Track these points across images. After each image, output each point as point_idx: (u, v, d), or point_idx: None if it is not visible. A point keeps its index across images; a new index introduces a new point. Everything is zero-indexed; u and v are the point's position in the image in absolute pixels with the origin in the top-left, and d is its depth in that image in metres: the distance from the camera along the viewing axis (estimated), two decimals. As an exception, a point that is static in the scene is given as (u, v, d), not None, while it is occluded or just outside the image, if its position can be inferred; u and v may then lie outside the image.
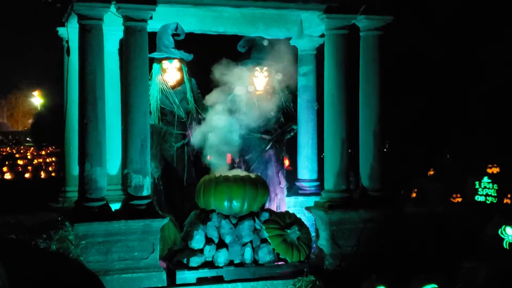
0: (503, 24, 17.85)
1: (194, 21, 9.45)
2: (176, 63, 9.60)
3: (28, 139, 47.32)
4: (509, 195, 14.28)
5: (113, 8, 8.02)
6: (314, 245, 9.03)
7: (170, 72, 9.60)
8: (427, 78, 18.62)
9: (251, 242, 8.43)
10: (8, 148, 41.03)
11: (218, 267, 8.21)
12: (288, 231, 8.55)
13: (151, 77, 9.41)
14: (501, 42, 17.73)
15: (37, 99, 55.87)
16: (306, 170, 10.35)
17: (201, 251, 8.24)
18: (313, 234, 9.04)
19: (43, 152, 34.46)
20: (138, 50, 8.07)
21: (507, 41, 17.61)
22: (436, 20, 17.97)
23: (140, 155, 8.05)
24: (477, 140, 19.55)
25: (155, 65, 9.58)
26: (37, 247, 7.35)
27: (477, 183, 14.68)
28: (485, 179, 14.64)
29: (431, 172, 17.62)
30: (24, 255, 7.11)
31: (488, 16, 18.01)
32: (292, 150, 10.43)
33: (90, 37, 7.95)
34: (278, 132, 9.98)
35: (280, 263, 8.47)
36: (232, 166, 9.59)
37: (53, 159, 29.55)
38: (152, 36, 9.04)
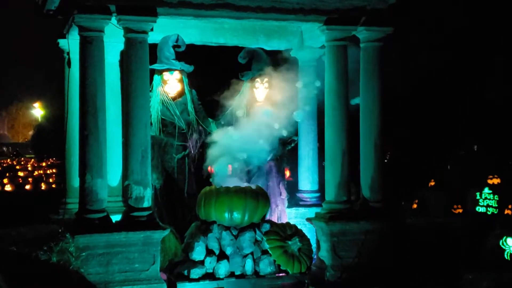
0: (502, 40, 17.94)
1: (195, 33, 9.48)
2: (176, 75, 9.63)
3: (30, 151, 47.29)
4: (510, 206, 14.26)
5: (114, 20, 8.05)
6: (315, 257, 9.01)
7: (171, 84, 9.62)
8: (428, 90, 18.67)
9: (252, 253, 8.41)
10: (8, 160, 41.00)
11: (219, 278, 8.18)
12: (289, 242, 8.53)
13: (152, 88, 9.43)
14: (501, 56, 17.80)
15: (38, 111, 55.89)
16: (307, 181, 10.34)
17: (202, 262, 8.22)
18: (314, 245, 9.01)
19: (44, 164, 34.43)
20: (139, 61, 8.08)
21: (506, 56, 17.68)
22: (436, 36, 18.07)
23: (141, 166, 8.05)
24: (478, 151, 19.56)
25: (156, 77, 9.60)
26: (38, 259, 7.34)
27: (478, 194, 14.67)
28: (486, 190, 14.62)
29: (432, 183, 17.59)
30: (25, 267, 7.09)
31: (487, 33, 18.10)
32: (293, 161, 10.42)
33: (91, 49, 7.97)
34: (279, 143, 9.98)
35: (281, 274, 8.44)
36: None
37: (54, 170, 29.51)
38: (153, 47, 9.06)
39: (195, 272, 8.12)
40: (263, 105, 9.94)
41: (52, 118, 31.45)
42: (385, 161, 9.59)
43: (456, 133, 19.23)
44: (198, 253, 8.23)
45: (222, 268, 8.20)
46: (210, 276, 8.19)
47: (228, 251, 8.33)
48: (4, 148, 54.76)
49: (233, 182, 8.88)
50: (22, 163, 37.35)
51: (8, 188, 23.26)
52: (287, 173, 10.41)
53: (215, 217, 8.50)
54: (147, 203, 8.09)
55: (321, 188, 9.81)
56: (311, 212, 9.49)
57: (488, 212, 14.44)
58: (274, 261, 8.43)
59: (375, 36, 9.00)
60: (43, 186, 24.12)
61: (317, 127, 10.21)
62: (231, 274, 8.27)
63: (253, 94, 10.11)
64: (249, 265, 8.33)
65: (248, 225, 8.52)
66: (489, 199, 14.50)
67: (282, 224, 9.00)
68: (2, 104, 64.90)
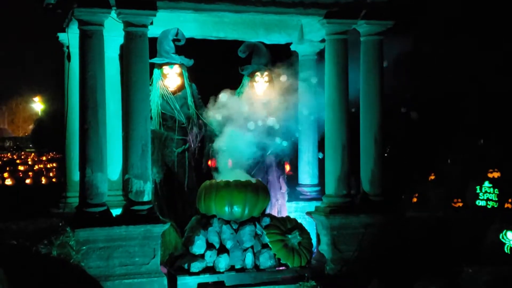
0: (502, 36, 17.91)
1: (195, 27, 9.46)
2: (176, 69, 9.62)
3: (30, 145, 47.32)
4: (510, 200, 14.25)
5: (113, 13, 8.04)
6: (315, 250, 9.03)
7: (171, 78, 9.62)
8: (427, 83, 18.63)
9: (252, 247, 8.42)
10: (9, 154, 40.99)
11: (219, 272, 8.20)
12: (289, 236, 8.54)
13: (152, 82, 9.43)
14: (501, 50, 17.77)
15: (38, 105, 55.88)
16: (307, 175, 10.35)
17: (202, 256, 8.24)
18: (314, 239, 9.03)
19: (44, 158, 34.42)
20: (139, 55, 8.07)
21: (506, 49, 17.65)
22: (437, 30, 18.02)
23: (141, 160, 8.05)
24: (478, 144, 19.54)
25: (155, 71, 9.60)
26: (38, 252, 7.35)
27: (478, 187, 14.66)
28: (486, 183, 14.62)
29: (432, 177, 17.59)
30: (25, 260, 7.10)
31: (487, 28, 18.08)
32: (293, 155, 10.42)
33: (91, 43, 7.97)
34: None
35: (281, 268, 8.46)
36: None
37: (54, 164, 29.51)
38: (153, 41, 9.05)
39: (195, 266, 8.13)
40: (263, 99, 9.94)
41: (52, 112, 31.46)
42: (385, 154, 9.58)
43: (458, 127, 19.22)
44: (198, 246, 8.25)
45: (222, 262, 8.22)
46: (210, 270, 8.21)
47: (228, 244, 8.35)
48: (8, 143, 54.64)
49: (234, 175, 8.87)
50: (22, 157, 37.34)
51: (8, 182, 23.27)
52: (287, 167, 10.41)
53: (215, 211, 8.51)
54: (147, 197, 8.10)
55: (321, 182, 9.81)
56: (311, 206, 9.50)
57: (488, 206, 14.44)
58: (274, 254, 8.45)
59: (375, 29, 8.99)
60: (43, 180, 24.12)
61: (317, 121, 10.20)
62: (231, 268, 8.28)
63: (253, 88, 10.10)
64: (249, 259, 8.34)
65: (248, 219, 8.54)
66: (489, 193, 14.50)
67: (282, 218, 9.01)
68: (2, 98, 64.86)
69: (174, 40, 9.43)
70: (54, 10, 8.75)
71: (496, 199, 14.38)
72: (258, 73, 10.07)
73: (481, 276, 7.58)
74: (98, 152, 7.96)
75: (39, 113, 50.82)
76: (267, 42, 10.05)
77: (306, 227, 8.96)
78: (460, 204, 14.97)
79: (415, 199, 15.61)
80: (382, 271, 8.21)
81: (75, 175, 8.71)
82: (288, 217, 9.05)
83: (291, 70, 9.86)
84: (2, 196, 17.36)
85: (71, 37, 8.58)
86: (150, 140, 8.24)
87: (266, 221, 8.65)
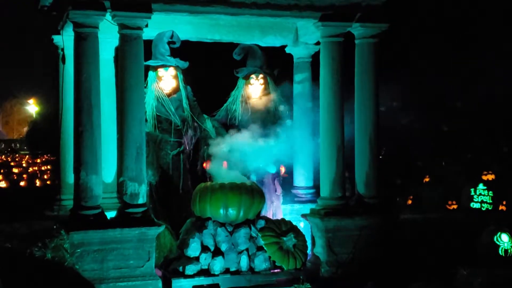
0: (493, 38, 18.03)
1: (190, 29, 9.46)
2: (171, 71, 9.60)
3: (24, 147, 47.20)
4: (504, 202, 14.31)
5: (108, 16, 8.03)
6: (310, 253, 9.03)
7: (166, 80, 9.60)
8: (421, 83, 18.71)
9: (247, 249, 8.41)
10: (3, 156, 40.91)
11: (214, 275, 8.19)
12: (284, 238, 8.54)
13: (147, 84, 9.41)
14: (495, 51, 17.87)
15: (32, 107, 55.79)
16: (302, 177, 10.35)
17: (197, 259, 8.22)
18: (309, 241, 9.02)
19: (38, 160, 34.37)
20: (134, 58, 8.06)
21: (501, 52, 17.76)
22: (428, 31, 18.12)
23: (136, 162, 8.04)
24: (472, 147, 19.62)
25: (150, 73, 9.58)
26: (32, 255, 7.33)
27: (472, 190, 14.70)
28: (481, 186, 14.66)
29: (427, 179, 17.65)
30: (19, 263, 7.09)
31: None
32: (288, 157, 10.40)
33: (86, 45, 7.95)
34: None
35: (276, 270, 8.46)
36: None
37: (49, 167, 29.48)
38: (148, 43, 9.04)
39: (190, 269, 8.12)
40: (259, 102, 9.94)
41: (47, 114, 31.36)
42: (380, 157, 9.59)
43: (452, 128, 19.30)
44: (193, 249, 8.24)
45: (217, 265, 8.21)
46: (205, 272, 8.19)
47: (223, 247, 8.34)
48: (2, 145, 54.34)
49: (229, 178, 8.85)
50: (17, 159, 37.29)
51: (2, 184, 23.21)
52: (282, 170, 10.40)
53: (210, 213, 8.50)
54: (142, 199, 8.08)
55: (316, 184, 9.81)
56: (306, 208, 9.50)
57: (482, 208, 14.48)
58: (269, 257, 8.44)
59: (370, 32, 9.00)
60: (37, 183, 24.05)
61: (312, 123, 10.20)
62: (226, 271, 8.27)
63: (248, 90, 10.11)
64: (244, 262, 8.34)
65: (243, 222, 8.53)
66: (484, 195, 14.54)
67: (277, 220, 9.00)
68: (-3, 100, 64.78)
69: (169, 43, 9.41)
70: (49, 12, 8.75)
71: (491, 201, 14.43)
72: (253, 76, 10.07)
73: (475, 278, 7.60)
74: (92, 154, 7.94)
75: (34, 115, 50.69)
76: (262, 44, 10.05)
77: (301, 230, 8.96)
78: (455, 207, 15.03)
79: (410, 201, 15.66)
80: (377, 273, 8.22)
81: (70, 178, 8.69)
82: (283, 219, 9.05)
83: (286, 72, 9.87)
84: (-4, 199, 17.31)
85: (66, 39, 8.57)
86: (145, 142, 8.23)
87: (261, 223, 8.64)
